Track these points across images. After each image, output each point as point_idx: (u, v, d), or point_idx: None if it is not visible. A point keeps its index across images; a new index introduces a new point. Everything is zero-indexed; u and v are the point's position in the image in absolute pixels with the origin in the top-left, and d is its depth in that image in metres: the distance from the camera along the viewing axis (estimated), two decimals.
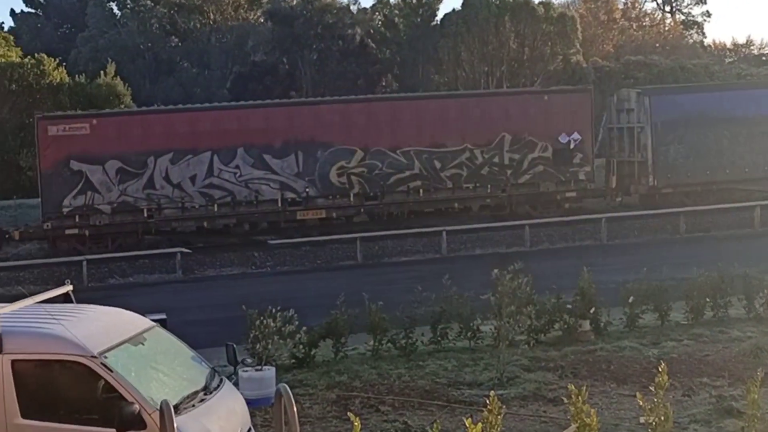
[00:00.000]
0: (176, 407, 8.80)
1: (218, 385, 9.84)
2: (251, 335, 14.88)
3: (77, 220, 33.50)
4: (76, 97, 48.85)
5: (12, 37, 55.87)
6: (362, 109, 36.46)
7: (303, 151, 34.91)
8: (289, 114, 35.78)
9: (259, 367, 14.23)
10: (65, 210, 33.42)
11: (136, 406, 8.58)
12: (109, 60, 58.15)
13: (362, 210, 35.79)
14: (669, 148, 37.74)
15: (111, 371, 8.80)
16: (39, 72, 48.68)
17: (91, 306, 10.38)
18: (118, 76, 55.78)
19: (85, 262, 29.93)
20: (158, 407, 8.65)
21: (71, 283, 10.68)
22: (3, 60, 49.92)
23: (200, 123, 34.56)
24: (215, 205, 34.47)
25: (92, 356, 8.84)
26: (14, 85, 47.41)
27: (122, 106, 51.87)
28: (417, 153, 35.88)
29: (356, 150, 35.36)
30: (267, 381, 13.95)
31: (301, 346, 15.92)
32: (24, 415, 8.81)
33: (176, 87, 65.84)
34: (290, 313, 15.51)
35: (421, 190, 36.00)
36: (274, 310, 15.22)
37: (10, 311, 9.30)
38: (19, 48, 53.95)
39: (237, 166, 34.52)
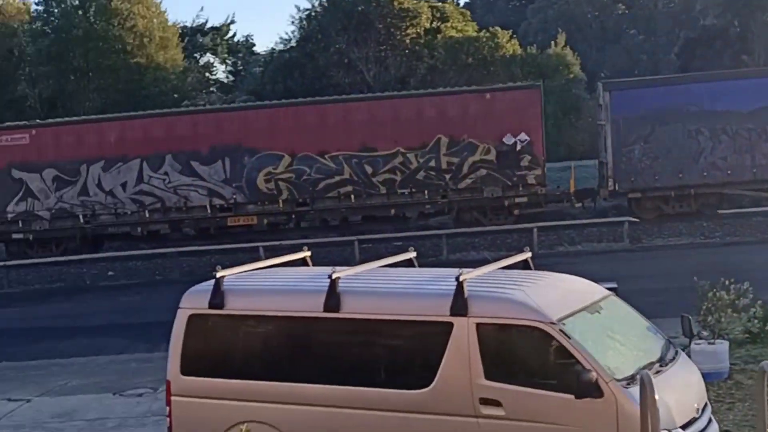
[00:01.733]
0: (632, 378, 8.91)
1: (674, 357, 9.74)
2: (703, 307, 14.58)
3: (21, 225, 34.99)
4: (527, 68, 50.07)
5: (468, 12, 58.27)
6: (289, 113, 34.85)
7: (230, 157, 34.23)
8: (216, 120, 35.19)
9: (712, 341, 13.97)
10: (9, 216, 34.93)
11: (594, 374, 8.69)
12: (559, 30, 58.93)
13: (293, 216, 34.61)
14: (633, 149, 32.92)
15: (569, 338, 9.00)
16: (493, 45, 50.43)
17: (549, 273, 10.62)
18: (568, 46, 56.43)
19: (535, 230, 30.97)
20: (615, 376, 8.81)
21: (529, 251, 11.13)
22: (461, 35, 52.22)
23: (129, 131, 34.89)
24: (146, 211, 34.71)
25: (551, 323, 9.10)
26: (470, 59, 49.48)
27: (571, 76, 52.50)
28: (346, 157, 33.80)
29: (283, 155, 34.05)
30: (720, 355, 13.71)
31: (755, 321, 15.41)
32: (487, 376, 9.23)
33: (622, 54, 65.41)
34: (744, 286, 15.02)
35: (352, 196, 33.97)
36: (726, 282, 14.84)
37: (476, 276, 9.76)
38: (474, 22, 56.18)
39: (165, 173, 34.54)
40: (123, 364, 19.88)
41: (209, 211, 34.39)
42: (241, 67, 69.76)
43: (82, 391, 17.42)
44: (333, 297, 9.78)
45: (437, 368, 9.38)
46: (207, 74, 66.71)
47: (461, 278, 9.40)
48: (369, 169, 33.74)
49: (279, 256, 12.09)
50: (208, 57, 68.68)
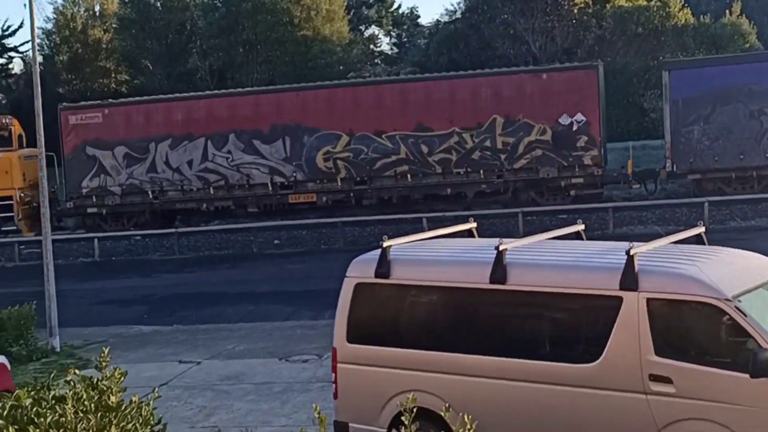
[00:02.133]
0: None
1: None
2: None
3: (95, 200, 35.78)
4: (699, 38, 48.53)
5: None
6: (347, 93, 34.94)
7: (290, 136, 34.43)
8: (277, 100, 35.26)
9: None
10: (84, 191, 35.89)
11: None
12: None
13: (351, 194, 34.40)
14: (692, 129, 31.26)
15: (744, 315, 8.71)
16: (664, 14, 49.06)
17: (724, 248, 10.31)
18: (743, 15, 54.39)
19: (706, 204, 30.14)
20: None
21: (703, 225, 10.77)
22: (630, 4, 51.05)
23: (195, 110, 35.53)
24: (211, 189, 35.14)
25: (726, 299, 8.82)
26: (640, 28, 48.30)
27: (747, 46, 50.58)
28: (402, 137, 33.54)
29: (341, 135, 34.07)
30: None
31: None
32: (657, 353, 9.03)
33: None
34: None
35: (408, 176, 34.02)
36: None
37: (646, 250, 9.54)
38: None
39: (229, 151, 35.25)
40: (288, 331, 20.31)
41: (270, 188, 35.20)
42: (405, 39, 70.03)
43: (249, 356, 17.87)
44: (499, 268, 9.70)
45: (605, 343, 9.23)
46: (371, 46, 67.19)
47: (632, 252, 9.21)
48: (425, 149, 34.00)
49: (442, 227, 12.05)
50: (373, 29, 69.18)
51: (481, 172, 33.74)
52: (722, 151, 32.04)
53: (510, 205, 33.44)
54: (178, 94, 39.72)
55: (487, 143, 33.58)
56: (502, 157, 33.51)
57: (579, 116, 32.88)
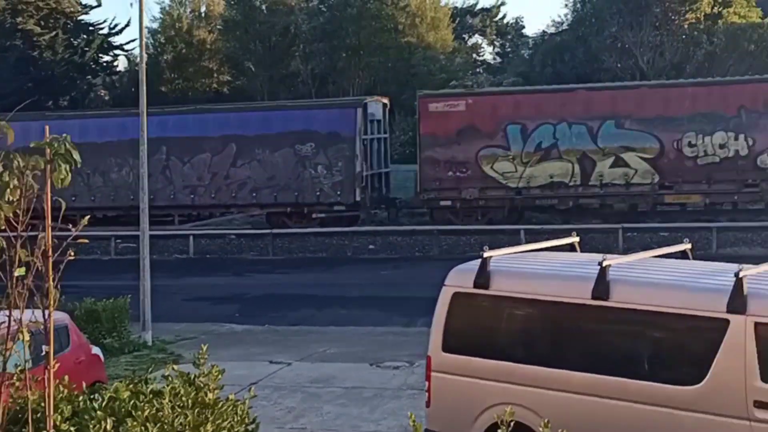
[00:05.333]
0: None
1: None
2: None
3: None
4: None
5: None
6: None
7: None
8: None
9: None
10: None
11: None
12: None
13: None
14: None
15: None
16: None
17: None
18: None
19: None
20: None
21: None
22: (744, 20, 49.96)
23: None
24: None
25: None
26: (753, 46, 47.23)
27: None
28: None
29: None
30: None
31: None
32: (764, 379, 8.73)
33: None
34: None
35: None
36: None
37: (756, 273, 9.25)
38: (759, 8, 53.56)
39: None
40: (380, 336, 20.26)
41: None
42: (509, 49, 69.60)
43: (339, 359, 17.85)
44: (602, 284, 9.48)
45: (709, 366, 8.96)
46: (474, 55, 66.95)
47: (741, 274, 8.93)
48: None
49: (540, 241, 11.86)
50: (477, 38, 68.91)
51: None
52: None
53: (610, 221, 32.67)
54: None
55: None
56: None
57: None
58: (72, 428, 6.69)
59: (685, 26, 49.17)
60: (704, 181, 32.40)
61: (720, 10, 50.46)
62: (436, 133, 34.05)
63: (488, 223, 33.80)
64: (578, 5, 55.64)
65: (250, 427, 7.27)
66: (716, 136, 32.25)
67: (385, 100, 37.81)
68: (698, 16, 49.45)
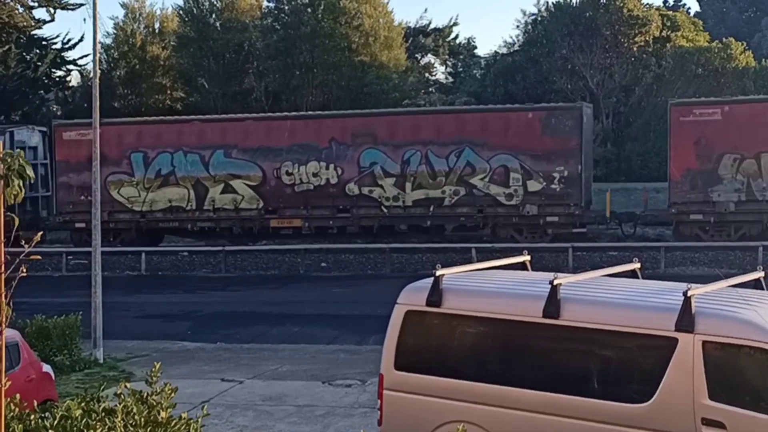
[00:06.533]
0: None
1: None
2: None
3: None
4: (761, 82, 47.98)
5: (700, 22, 56.42)
6: None
7: None
8: None
9: None
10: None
11: None
12: None
13: None
14: None
15: None
16: (725, 56, 48.59)
17: None
18: None
19: (760, 248, 29.60)
20: None
21: (762, 270, 10.58)
22: (691, 44, 50.68)
23: None
24: None
25: None
26: (700, 69, 47.91)
27: None
28: None
29: None
30: None
31: None
32: (711, 397, 8.88)
33: None
34: None
35: None
36: None
37: (704, 292, 9.41)
38: (706, 33, 54.37)
39: None
40: (332, 354, 20.23)
41: None
42: (461, 69, 69.97)
43: (292, 377, 17.81)
44: (553, 303, 9.59)
45: (658, 383, 9.11)
46: (427, 75, 67.21)
47: (689, 293, 9.08)
48: None
49: (491, 259, 11.96)
50: (429, 57, 69.20)
51: None
52: None
53: (555, 240, 32.75)
54: None
55: None
56: None
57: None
58: None
59: (635, 49, 49.86)
60: (303, 207, 34.63)
61: (668, 33, 51.29)
62: (69, 160, 35.76)
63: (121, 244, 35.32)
64: (529, 27, 56.23)
65: None
66: (310, 166, 34.46)
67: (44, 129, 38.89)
68: (647, 39, 50.19)
